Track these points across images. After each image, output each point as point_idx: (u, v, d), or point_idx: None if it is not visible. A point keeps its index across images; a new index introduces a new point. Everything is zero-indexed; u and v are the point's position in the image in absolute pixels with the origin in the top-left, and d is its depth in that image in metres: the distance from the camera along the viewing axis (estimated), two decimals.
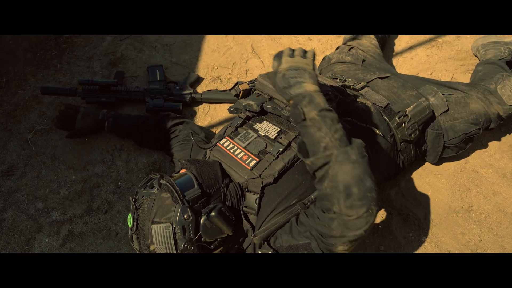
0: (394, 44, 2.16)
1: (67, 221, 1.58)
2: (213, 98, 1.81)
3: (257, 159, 1.22)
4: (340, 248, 1.04)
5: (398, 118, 1.45)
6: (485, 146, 1.77)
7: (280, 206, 1.18)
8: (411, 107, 1.46)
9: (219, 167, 1.21)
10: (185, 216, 1.07)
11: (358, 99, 1.47)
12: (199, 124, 1.80)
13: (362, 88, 1.54)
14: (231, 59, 2.05)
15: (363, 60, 1.73)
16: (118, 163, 1.70)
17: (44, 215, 1.59)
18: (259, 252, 1.19)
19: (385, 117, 1.46)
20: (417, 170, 1.70)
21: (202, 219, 1.09)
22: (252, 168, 1.21)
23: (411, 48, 2.15)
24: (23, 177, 1.67)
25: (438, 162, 1.64)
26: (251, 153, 1.25)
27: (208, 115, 1.83)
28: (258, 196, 1.18)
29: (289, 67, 1.14)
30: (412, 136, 1.46)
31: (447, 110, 1.51)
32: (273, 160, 1.22)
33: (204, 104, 1.85)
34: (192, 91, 1.80)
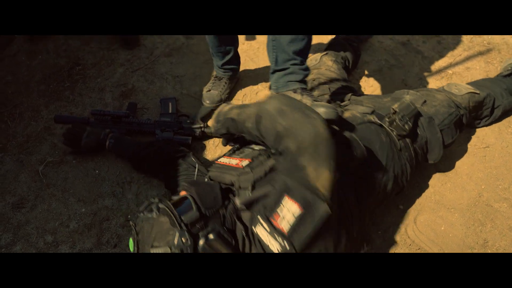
0: (404, 78, 2.16)
1: None
2: None
3: (250, 160, 1.22)
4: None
5: (388, 118, 1.50)
6: (498, 179, 1.74)
7: None
8: (395, 105, 1.51)
9: (219, 188, 1.19)
10: (183, 240, 1.05)
11: (347, 112, 1.52)
12: (209, 157, 1.80)
13: (346, 105, 1.61)
14: (241, 91, 2.06)
15: (329, 88, 1.78)
16: (128, 196, 1.70)
17: (53, 248, 1.58)
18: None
19: (376, 120, 1.50)
20: (429, 204, 1.67)
21: (200, 242, 1.07)
22: (244, 167, 1.19)
23: (420, 79, 2.15)
24: (33, 210, 1.67)
25: (442, 158, 1.62)
26: (246, 159, 1.25)
27: (219, 147, 1.83)
28: (250, 190, 1.14)
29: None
30: (406, 127, 1.48)
31: (425, 101, 1.63)
32: (266, 159, 1.21)
33: (214, 138, 1.86)
34: (202, 125, 1.80)
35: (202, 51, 2.27)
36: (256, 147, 1.32)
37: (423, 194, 1.71)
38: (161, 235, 1.08)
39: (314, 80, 1.84)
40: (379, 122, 1.50)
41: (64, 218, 1.65)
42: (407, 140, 1.51)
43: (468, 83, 1.87)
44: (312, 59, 1.97)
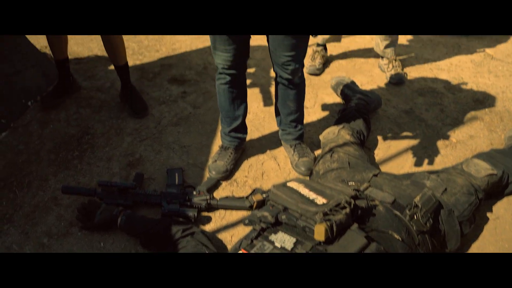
0: (408, 145, 2.19)
1: None
2: (229, 205, 1.81)
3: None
4: None
5: (409, 211, 1.46)
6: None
7: None
8: (418, 197, 1.50)
9: None
10: None
11: (368, 201, 1.49)
12: (215, 229, 1.79)
13: (366, 188, 1.58)
14: (247, 161, 2.08)
15: (349, 163, 1.78)
16: None
17: None
18: None
19: (396, 212, 1.47)
20: None
21: None
22: None
23: (425, 148, 2.17)
24: None
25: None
26: None
27: (225, 219, 1.82)
28: None
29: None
30: (427, 225, 1.46)
31: (445, 189, 1.62)
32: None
33: (220, 209, 1.86)
34: (208, 197, 1.81)
35: (209, 120, 2.32)
36: (278, 242, 1.30)
37: None
38: None
39: (333, 153, 1.86)
40: (400, 214, 1.47)
41: None
42: (426, 235, 1.49)
43: (480, 156, 1.86)
44: (330, 132, 2.01)
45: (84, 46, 3.13)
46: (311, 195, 1.39)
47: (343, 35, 2.88)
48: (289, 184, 1.47)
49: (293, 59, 1.70)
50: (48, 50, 2.95)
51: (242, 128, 2.01)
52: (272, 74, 1.87)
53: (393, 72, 2.68)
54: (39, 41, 3.12)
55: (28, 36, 2.80)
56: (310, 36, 1.68)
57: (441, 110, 2.45)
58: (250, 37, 1.73)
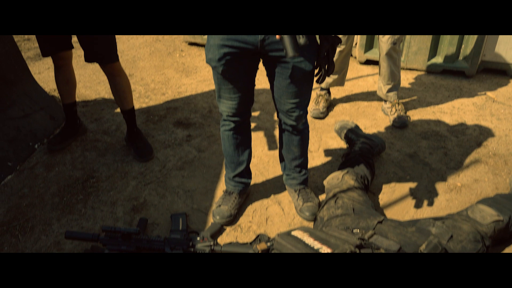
0: (413, 189, 2.18)
1: None
2: (233, 252, 1.79)
3: None
4: None
5: None
6: None
7: None
8: (423, 245, 1.50)
9: None
10: None
11: (373, 250, 1.47)
12: None
13: (371, 236, 1.56)
14: (251, 206, 2.08)
15: (353, 209, 1.78)
16: None
17: None
18: None
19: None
20: None
21: None
22: None
23: (429, 192, 2.16)
24: None
25: None
26: None
27: None
28: None
29: None
30: None
31: (451, 236, 1.60)
32: None
33: None
34: (212, 243, 1.79)
35: (214, 164, 2.34)
36: None
37: None
38: None
39: (337, 199, 1.85)
40: None
41: None
42: None
43: (485, 202, 1.84)
44: (334, 177, 2.01)
45: (92, 89, 3.19)
46: (316, 245, 1.38)
47: (346, 79, 2.93)
48: (293, 233, 1.46)
49: (297, 106, 1.73)
50: (56, 93, 3.02)
51: (247, 173, 2.02)
52: (277, 117, 1.89)
53: (396, 115, 2.71)
54: (48, 84, 3.20)
55: (37, 79, 2.87)
56: (314, 80, 1.71)
57: (445, 153, 2.46)
58: (254, 85, 1.76)
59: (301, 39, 1.30)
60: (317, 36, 1.59)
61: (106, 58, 2.21)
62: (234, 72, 1.63)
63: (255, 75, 1.73)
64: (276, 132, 2.59)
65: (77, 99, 2.59)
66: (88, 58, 2.21)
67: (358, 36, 3.42)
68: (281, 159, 2.04)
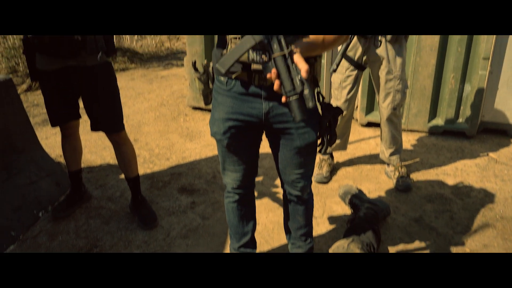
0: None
1: None
2: None
3: None
4: None
5: None
6: None
7: None
8: None
9: None
10: None
11: None
12: None
13: None
14: None
15: None
16: None
17: None
18: None
19: None
20: None
21: None
22: None
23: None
24: None
25: None
26: None
27: None
28: None
29: None
30: None
31: None
32: None
33: None
34: None
35: (218, 232, 2.32)
36: None
37: None
38: None
39: None
40: None
41: None
42: None
43: None
44: (339, 246, 1.99)
45: (97, 154, 3.24)
46: None
47: (348, 142, 2.97)
48: None
49: (302, 177, 1.74)
50: (62, 159, 3.06)
51: (252, 243, 1.99)
52: (280, 182, 1.90)
53: (399, 179, 2.71)
54: (55, 150, 3.25)
55: (44, 145, 2.92)
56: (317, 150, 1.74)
57: (451, 217, 2.43)
58: (258, 156, 1.79)
59: (310, 103, 1.29)
60: (319, 107, 1.64)
61: (112, 127, 2.26)
62: (238, 145, 1.66)
63: (259, 147, 1.76)
64: (280, 197, 2.59)
65: (82, 165, 2.62)
66: (94, 128, 2.27)
67: (359, 99, 3.50)
68: (286, 228, 2.02)
